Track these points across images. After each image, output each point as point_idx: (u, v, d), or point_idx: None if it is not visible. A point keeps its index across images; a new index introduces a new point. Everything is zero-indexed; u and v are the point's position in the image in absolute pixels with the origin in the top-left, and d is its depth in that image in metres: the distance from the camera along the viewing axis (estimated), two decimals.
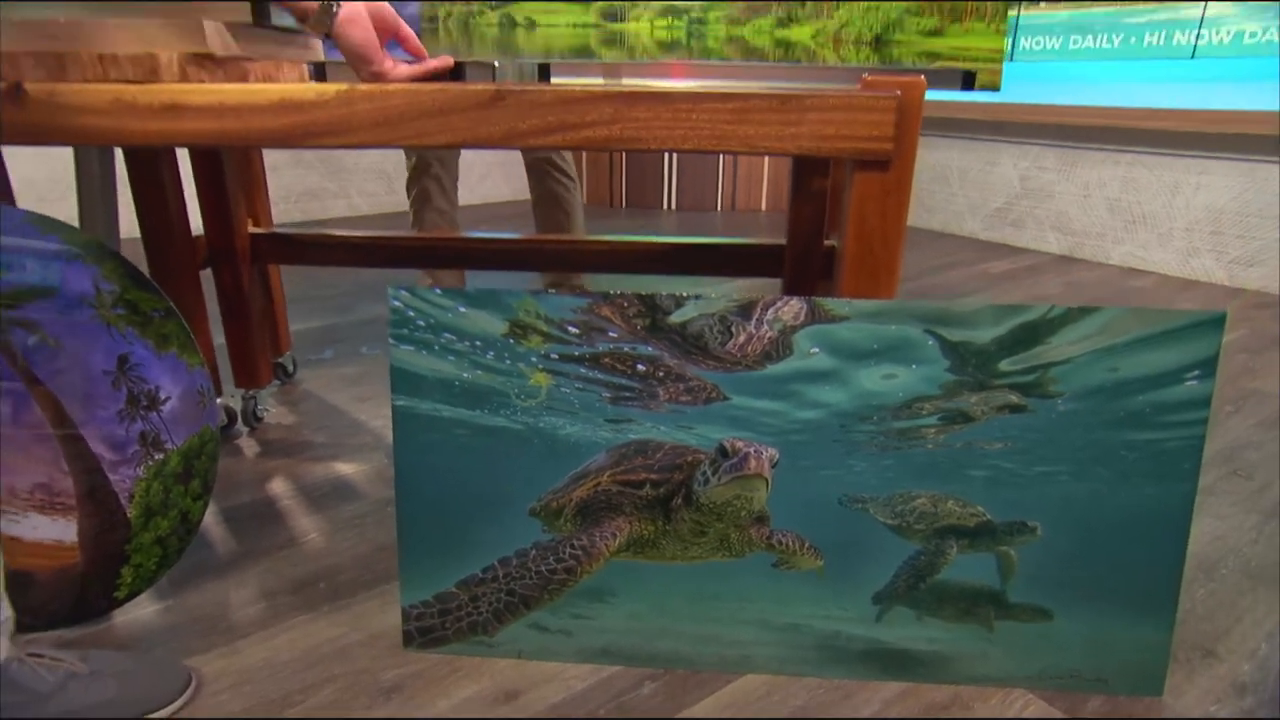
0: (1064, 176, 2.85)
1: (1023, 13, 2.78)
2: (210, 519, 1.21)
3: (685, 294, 0.83)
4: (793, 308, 0.82)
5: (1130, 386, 0.83)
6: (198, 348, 0.96)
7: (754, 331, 0.83)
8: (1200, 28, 2.35)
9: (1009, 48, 2.87)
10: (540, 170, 1.90)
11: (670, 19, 1.06)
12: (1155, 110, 2.45)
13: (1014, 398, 0.84)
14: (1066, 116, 2.69)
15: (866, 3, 1.04)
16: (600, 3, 1.06)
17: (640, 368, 0.85)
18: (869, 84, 0.79)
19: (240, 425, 1.48)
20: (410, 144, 0.83)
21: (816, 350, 0.83)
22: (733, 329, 0.83)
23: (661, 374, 0.85)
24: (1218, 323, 0.80)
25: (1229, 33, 2.29)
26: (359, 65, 0.83)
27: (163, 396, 0.96)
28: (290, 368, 1.70)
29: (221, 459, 1.08)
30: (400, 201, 3.55)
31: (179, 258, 1.33)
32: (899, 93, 0.77)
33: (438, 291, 0.86)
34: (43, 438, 0.97)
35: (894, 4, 1.03)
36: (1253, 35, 2.24)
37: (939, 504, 0.87)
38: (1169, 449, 0.84)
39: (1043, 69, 2.75)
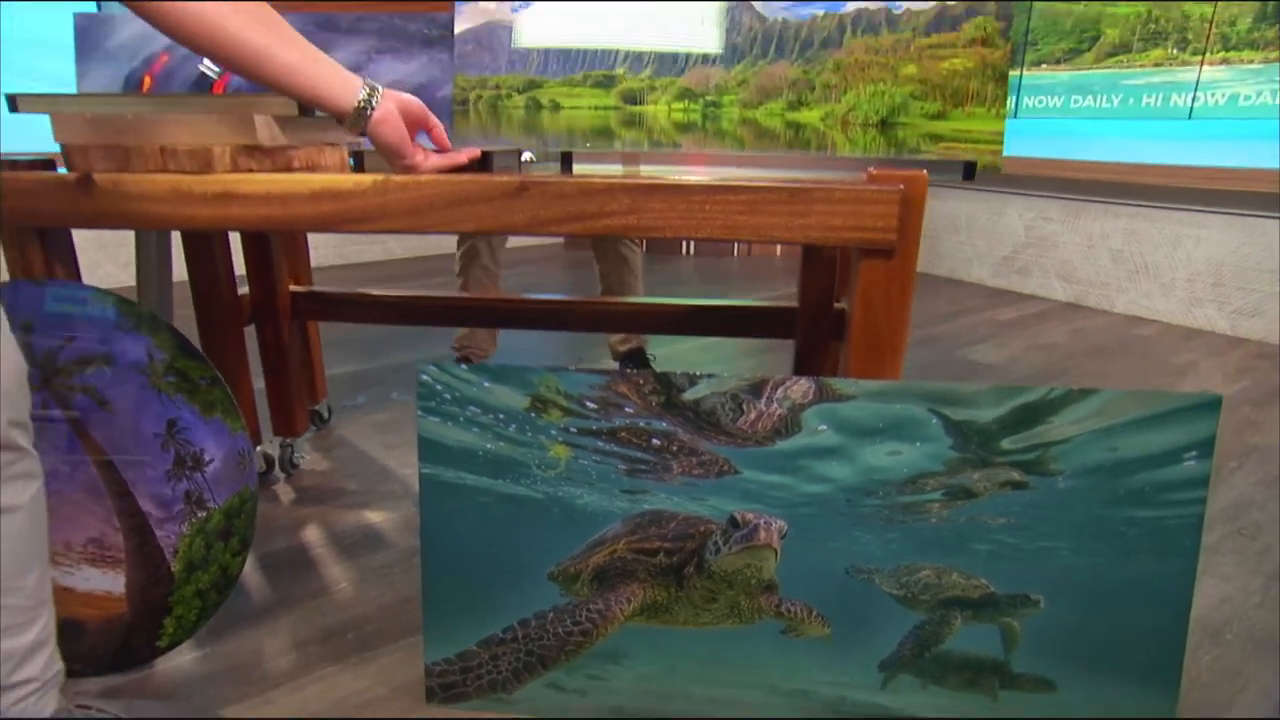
0: (1068, 227, 2.84)
1: (1025, 73, 2.80)
2: (248, 565, 1.22)
3: (698, 373, 0.84)
4: (801, 387, 0.83)
5: (1130, 465, 0.82)
6: (240, 413, 0.98)
7: (764, 409, 0.84)
8: (1196, 90, 2.35)
9: (1012, 106, 2.88)
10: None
11: (686, 102, 1.08)
12: (1155, 166, 2.44)
13: (1016, 475, 0.83)
14: (1069, 171, 2.68)
15: (873, 87, 1.05)
16: (620, 87, 1.09)
17: (655, 442, 0.86)
18: (874, 177, 0.80)
19: (277, 472, 1.50)
20: (441, 231, 0.85)
21: (824, 427, 0.84)
22: (744, 406, 0.84)
23: (675, 448, 0.86)
24: (1214, 405, 0.80)
25: (1224, 95, 2.29)
26: (392, 160, 0.86)
27: (207, 458, 0.98)
28: (325, 414, 1.72)
29: (260, 504, 1.10)
30: (436, 243, 3.61)
31: (225, 315, 1.36)
32: (902, 187, 0.78)
33: (463, 368, 0.88)
34: (96, 495, 0.99)
35: (899, 89, 1.05)
36: (1247, 98, 2.24)
37: (943, 576, 0.86)
38: (1169, 526, 0.83)
39: (1045, 125, 2.76)
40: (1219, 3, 2.21)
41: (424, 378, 0.87)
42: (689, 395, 0.84)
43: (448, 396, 0.87)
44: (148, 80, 1.23)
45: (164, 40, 1.23)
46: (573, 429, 0.86)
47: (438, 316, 1.48)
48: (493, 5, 1.11)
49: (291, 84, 0.78)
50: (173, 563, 0.99)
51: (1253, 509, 1.42)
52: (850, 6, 1.05)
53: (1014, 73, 2.79)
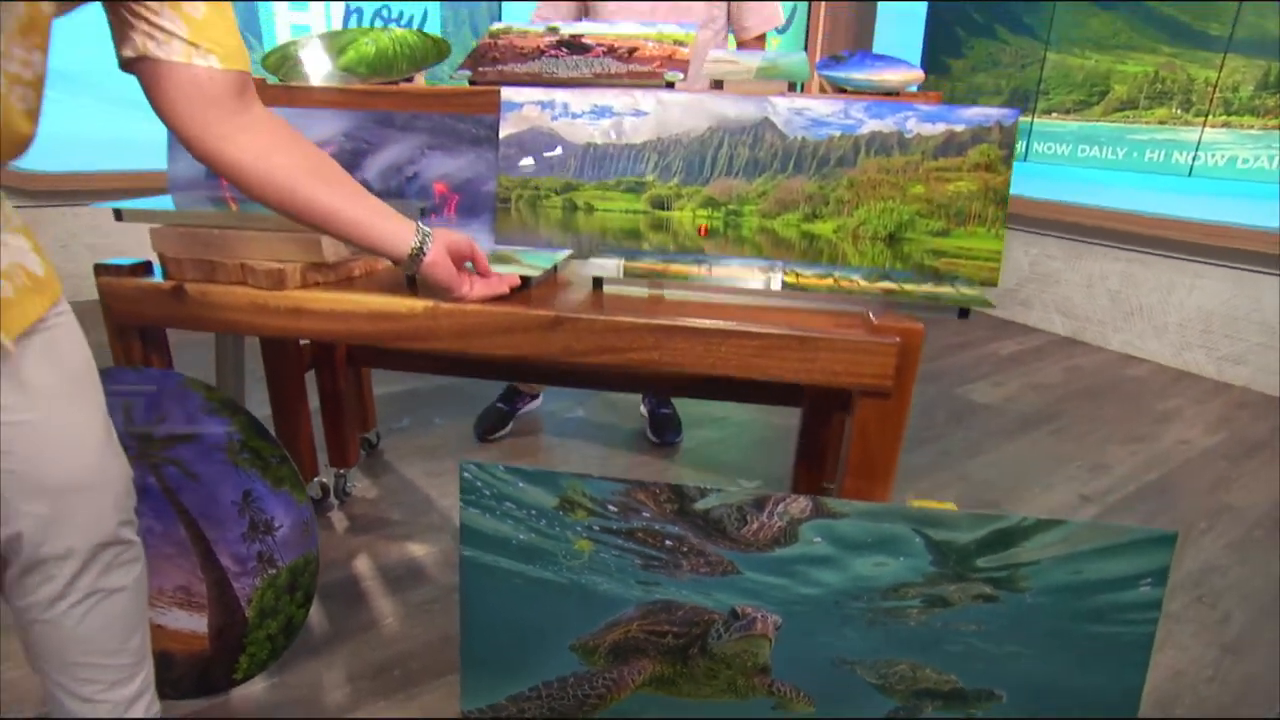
0: (1069, 266, 2.82)
1: (1035, 120, 2.76)
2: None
3: (709, 487, 0.89)
4: (800, 504, 0.88)
5: (1091, 587, 0.86)
6: (305, 488, 1.05)
7: (766, 521, 0.89)
8: (1197, 150, 2.31)
9: (1022, 150, 2.84)
10: None
11: (710, 210, 1.12)
12: (1155, 217, 2.42)
13: (988, 589, 0.88)
14: (1073, 215, 2.66)
15: (883, 204, 1.08)
16: (649, 193, 1.12)
17: (668, 543, 0.91)
18: (875, 328, 0.83)
19: (333, 499, 1.58)
20: (483, 353, 0.90)
21: (819, 540, 0.88)
22: (747, 517, 0.89)
23: (686, 549, 0.91)
24: (1169, 540, 0.83)
25: (1223, 157, 2.25)
26: (442, 295, 0.90)
27: (276, 524, 1.06)
28: (375, 440, 1.80)
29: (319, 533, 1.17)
30: None
31: (289, 364, 1.43)
32: (899, 340, 0.81)
33: (501, 468, 0.93)
34: (185, 551, 1.07)
35: (907, 207, 1.07)
36: (1245, 161, 2.20)
37: (917, 670, 0.91)
38: (1123, 642, 0.87)
39: (1052, 170, 2.72)
40: (1222, 70, 2.17)
41: (466, 475, 0.92)
42: (699, 505, 0.90)
43: (487, 492, 0.93)
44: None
45: None
46: (595, 527, 0.92)
47: (485, 370, 1.54)
48: (535, 112, 1.14)
49: (355, 236, 0.83)
50: (247, 610, 1.07)
51: (1216, 575, 1.45)
52: (865, 129, 1.07)
53: (1025, 119, 2.76)
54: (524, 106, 1.14)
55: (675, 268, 1.00)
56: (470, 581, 0.96)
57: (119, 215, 0.98)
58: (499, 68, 1.21)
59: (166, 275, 0.97)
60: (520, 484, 0.92)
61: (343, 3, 3.19)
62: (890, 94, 1.13)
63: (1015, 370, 2.56)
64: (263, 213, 1.00)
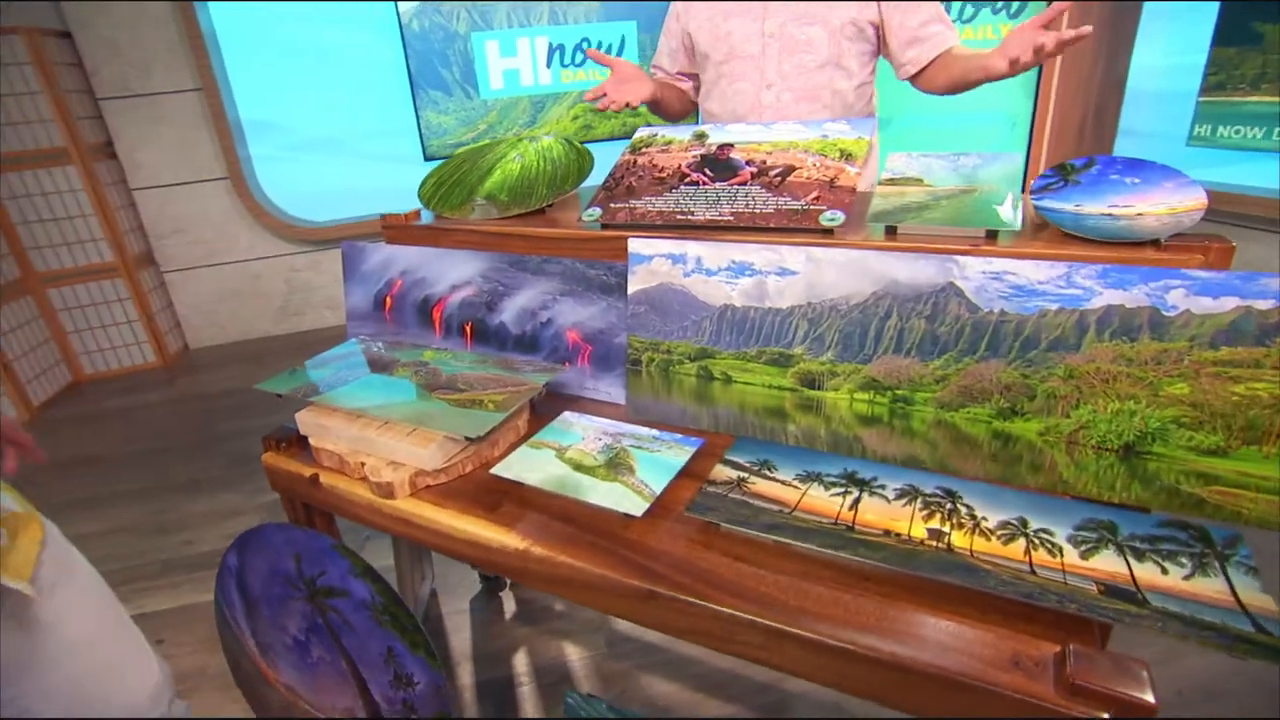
0: None
1: None
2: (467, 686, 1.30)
3: None
4: None
5: None
6: (437, 657, 1.00)
7: None
8: None
9: None
10: None
11: (872, 394, 0.84)
12: None
13: None
14: None
15: (1118, 405, 0.73)
16: (797, 368, 0.87)
17: None
18: (1073, 686, 0.53)
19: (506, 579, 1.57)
20: (571, 600, 0.75)
21: None
22: None
23: None
24: None
25: None
26: None
27: (415, 680, 1.03)
28: None
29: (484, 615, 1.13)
30: None
31: None
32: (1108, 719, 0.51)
33: (605, 706, 0.79)
34: (348, 681, 1.09)
35: (1158, 411, 0.71)
36: None
37: None
38: None
39: None
40: None
41: (569, 702, 0.79)
42: None
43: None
44: (389, 301, 1.25)
45: (399, 267, 1.23)
46: None
47: None
48: (665, 267, 0.93)
49: None
50: None
51: None
52: (1097, 302, 0.72)
53: None
54: (653, 260, 0.94)
55: (808, 500, 0.75)
56: None
57: (279, 395, 0.97)
58: (630, 205, 1.01)
59: (313, 459, 0.95)
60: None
61: (545, 39, 3.13)
62: (1145, 243, 0.75)
63: None
64: (384, 421, 0.93)
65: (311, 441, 0.97)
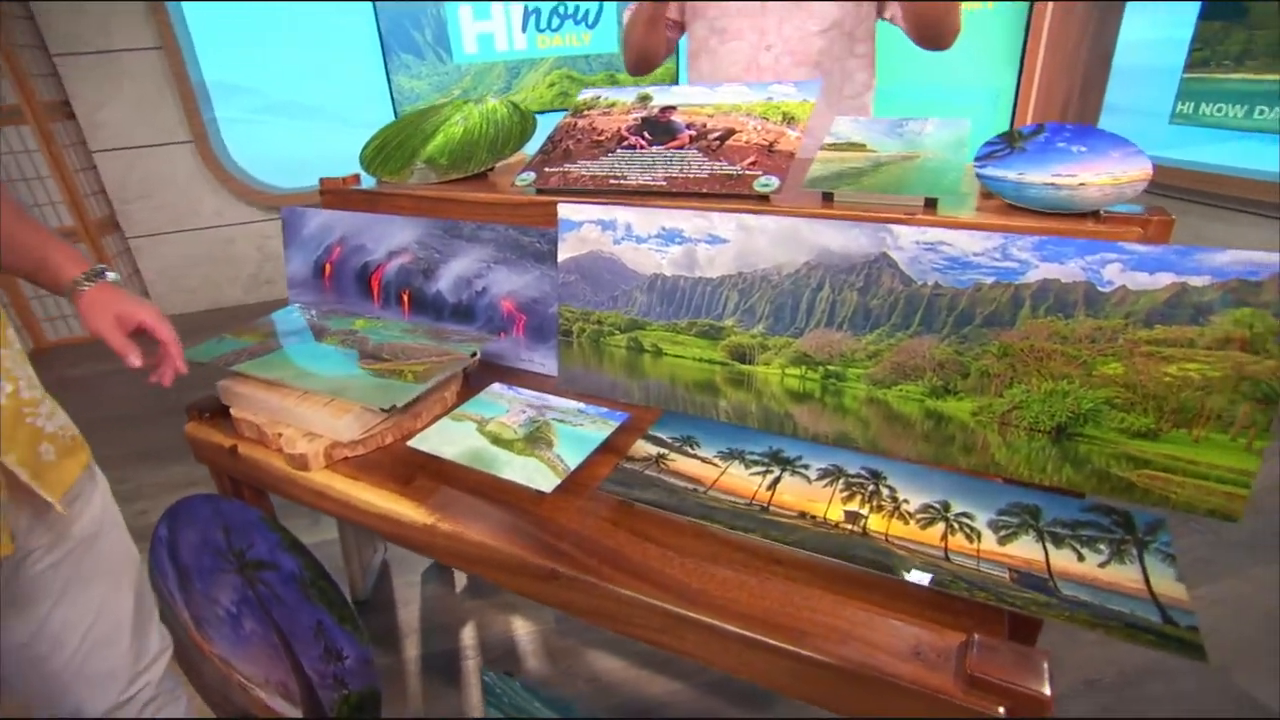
0: None
1: None
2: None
3: None
4: None
5: None
6: (364, 631, 0.97)
7: None
8: None
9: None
10: None
11: (803, 369, 0.80)
12: None
13: None
14: None
15: (1052, 384, 0.69)
16: (728, 340, 0.83)
17: None
18: (973, 678, 0.50)
19: None
20: (481, 576, 0.71)
21: None
22: None
23: None
24: None
25: None
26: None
27: (345, 655, 1.00)
28: None
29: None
30: None
31: None
32: (1003, 712, 0.48)
33: (520, 686, 0.76)
34: (279, 654, 1.06)
35: (1091, 392, 0.68)
36: None
37: None
38: None
39: None
40: None
41: (487, 680, 0.76)
42: None
43: (505, 700, 0.76)
44: (329, 268, 1.20)
45: (339, 233, 1.18)
46: None
47: None
48: (594, 234, 0.88)
49: (25, 258, 0.76)
50: (331, 714, 1.04)
51: None
52: (1033, 275, 0.68)
53: None
54: (583, 226, 0.89)
55: (727, 479, 0.72)
56: None
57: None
58: (565, 169, 0.96)
59: (234, 429, 0.91)
60: (536, 704, 0.74)
61: (520, 4, 3.02)
62: (1086, 215, 0.71)
63: None
64: (320, 370, 0.89)
65: (233, 412, 0.93)
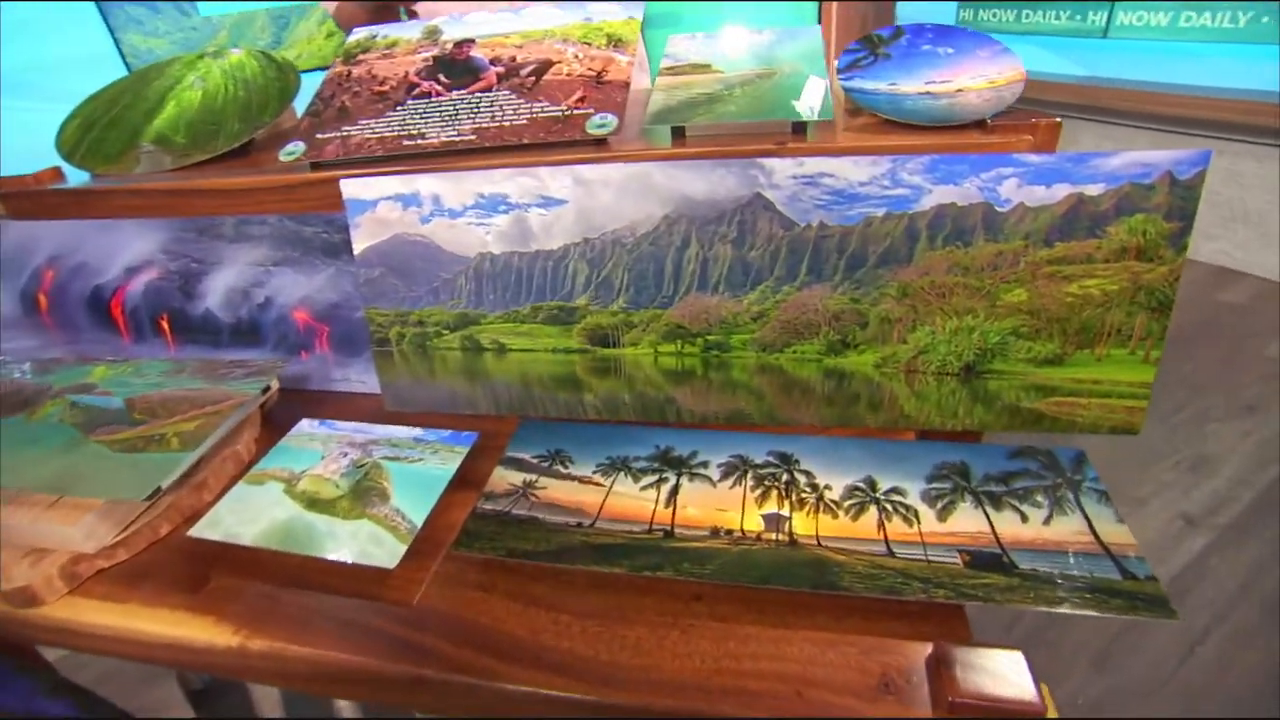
0: None
1: None
2: None
3: None
4: None
5: None
6: None
7: None
8: None
9: (1104, 22, 2.08)
10: None
11: (680, 344, 0.66)
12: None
13: None
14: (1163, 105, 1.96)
15: (956, 321, 0.60)
16: (584, 323, 0.67)
17: None
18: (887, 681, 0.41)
19: None
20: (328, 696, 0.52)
21: None
22: None
23: None
24: None
25: None
26: None
27: None
28: None
29: None
30: None
31: None
32: None
33: None
34: None
35: (997, 324, 0.60)
36: None
37: None
38: None
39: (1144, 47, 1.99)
40: None
41: None
42: None
43: None
44: (43, 300, 0.87)
45: (46, 252, 0.86)
46: None
47: None
48: (395, 213, 0.67)
49: None
50: None
51: None
52: (927, 202, 0.58)
53: None
54: (378, 205, 0.68)
55: (615, 500, 0.57)
56: None
57: None
58: (344, 133, 0.72)
59: None
60: None
61: None
62: (969, 126, 0.61)
63: None
64: (34, 456, 0.62)
65: None
